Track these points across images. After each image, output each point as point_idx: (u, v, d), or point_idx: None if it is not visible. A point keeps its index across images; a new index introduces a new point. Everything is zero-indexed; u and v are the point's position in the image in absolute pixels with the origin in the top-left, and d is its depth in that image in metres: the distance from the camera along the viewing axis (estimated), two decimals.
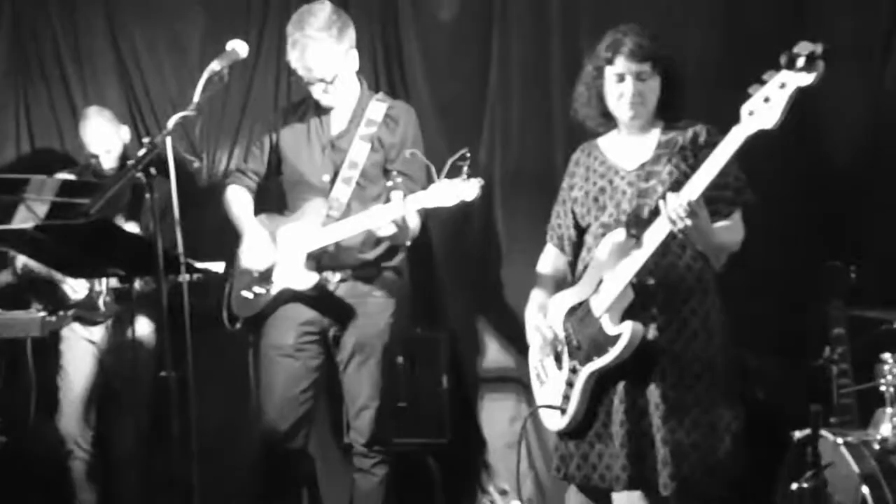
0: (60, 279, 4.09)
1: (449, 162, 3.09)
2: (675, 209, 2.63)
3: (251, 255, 3.54)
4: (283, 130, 3.67)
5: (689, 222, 2.62)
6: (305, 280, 3.45)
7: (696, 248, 2.84)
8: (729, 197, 2.86)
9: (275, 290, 3.50)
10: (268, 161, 3.71)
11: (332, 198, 3.50)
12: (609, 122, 3.02)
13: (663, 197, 2.69)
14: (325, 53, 3.43)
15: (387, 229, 3.27)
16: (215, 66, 3.03)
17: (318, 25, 3.41)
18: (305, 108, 3.68)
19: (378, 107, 3.59)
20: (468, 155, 3.08)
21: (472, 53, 4.38)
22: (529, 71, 4.26)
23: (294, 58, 3.46)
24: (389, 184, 3.29)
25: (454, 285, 4.36)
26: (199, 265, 3.22)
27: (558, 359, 2.98)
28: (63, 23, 4.64)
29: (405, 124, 3.59)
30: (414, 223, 3.40)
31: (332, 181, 3.53)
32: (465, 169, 3.08)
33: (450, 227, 4.31)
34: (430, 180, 3.19)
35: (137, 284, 3.55)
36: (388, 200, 3.30)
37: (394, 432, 3.65)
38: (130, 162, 4.05)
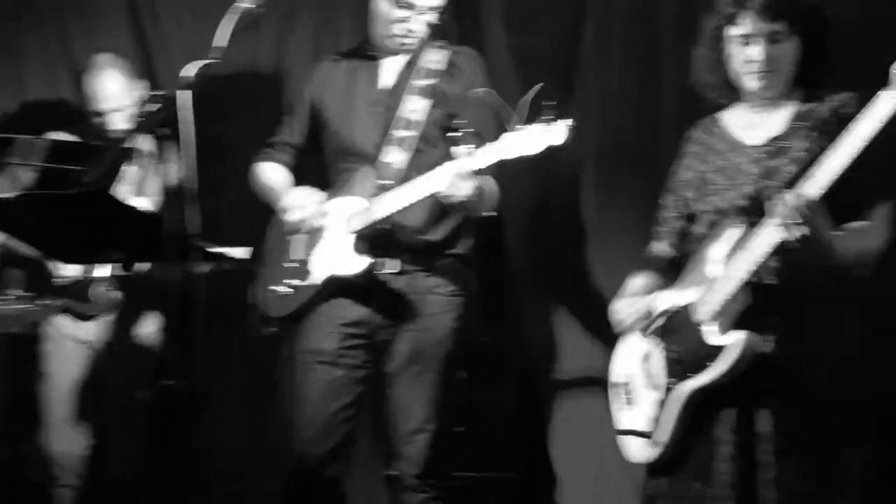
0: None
1: (525, 100, 3.03)
2: (789, 210, 2.56)
3: (296, 211, 3.52)
4: (323, 90, 3.68)
5: (805, 230, 2.56)
6: (354, 264, 3.42)
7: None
8: (872, 186, 2.73)
9: (316, 280, 3.49)
10: (306, 131, 3.73)
11: (384, 164, 3.48)
12: (734, 92, 2.96)
13: (795, 180, 2.63)
14: None
15: (458, 191, 3.21)
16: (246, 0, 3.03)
17: None
18: (351, 58, 3.70)
19: (438, 54, 3.59)
20: (549, 89, 3.01)
21: None
22: (633, 23, 4.18)
23: None
24: (455, 134, 3.24)
25: (528, 279, 4.30)
26: (218, 250, 3.26)
27: (650, 375, 2.93)
28: None
29: (472, 72, 3.58)
30: (491, 187, 3.39)
31: (384, 145, 3.52)
32: (549, 109, 3.02)
33: (525, 210, 4.26)
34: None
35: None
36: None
37: (452, 463, 3.63)
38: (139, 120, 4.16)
